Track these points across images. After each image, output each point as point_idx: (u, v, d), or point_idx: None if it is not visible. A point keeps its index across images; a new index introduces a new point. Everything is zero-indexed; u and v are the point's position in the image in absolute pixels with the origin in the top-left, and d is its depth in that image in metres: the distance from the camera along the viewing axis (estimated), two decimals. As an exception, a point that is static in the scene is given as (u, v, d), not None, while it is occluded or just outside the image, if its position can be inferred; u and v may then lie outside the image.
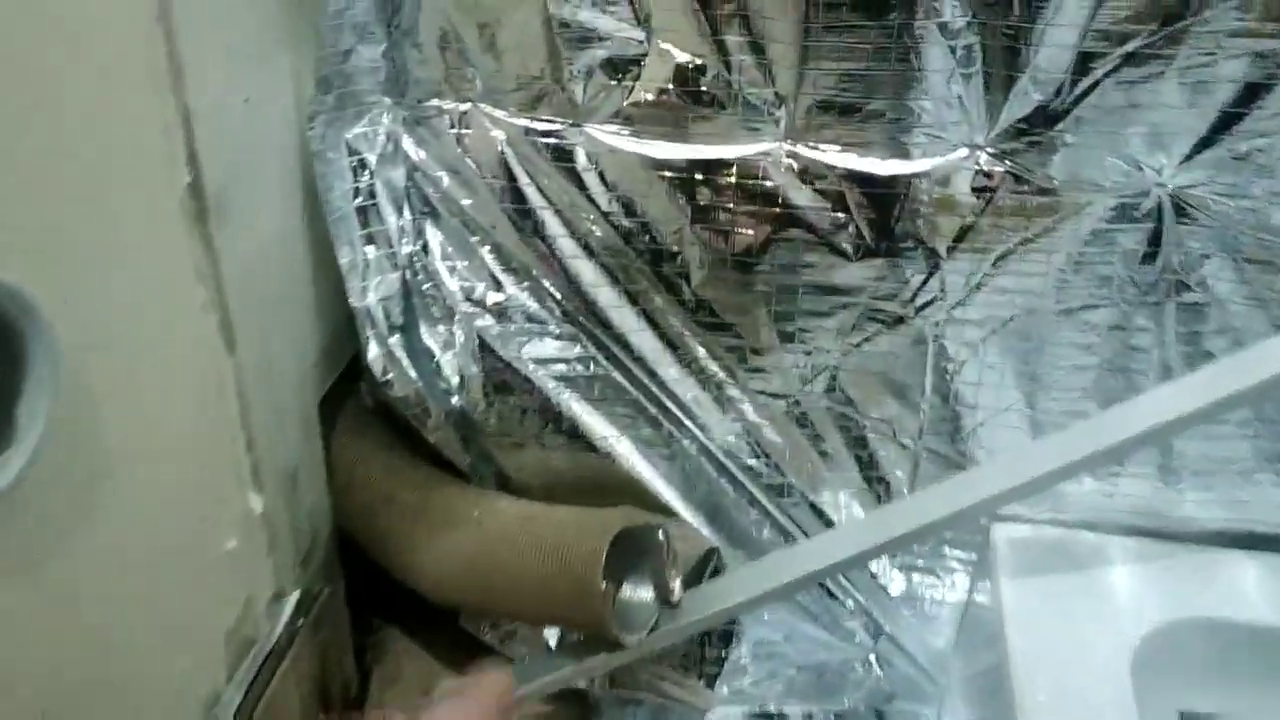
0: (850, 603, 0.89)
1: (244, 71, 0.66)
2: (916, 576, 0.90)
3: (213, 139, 0.62)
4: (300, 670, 0.78)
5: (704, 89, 0.73)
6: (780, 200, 0.75)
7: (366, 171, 0.77)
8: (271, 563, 0.75)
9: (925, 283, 0.76)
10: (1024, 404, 0.79)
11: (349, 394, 0.87)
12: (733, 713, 0.89)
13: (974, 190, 0.73)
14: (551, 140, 0.76)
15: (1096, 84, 0.69)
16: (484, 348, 0.81)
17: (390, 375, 0.79)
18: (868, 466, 0.84)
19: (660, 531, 0.71)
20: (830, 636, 0.89)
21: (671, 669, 0.87)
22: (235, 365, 0.68)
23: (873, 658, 0.91)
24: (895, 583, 0.90)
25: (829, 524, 0.87)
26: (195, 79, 0.60)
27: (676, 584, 0.72)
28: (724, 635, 0.87)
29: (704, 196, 0.76)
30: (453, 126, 0.77)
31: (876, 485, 0.85)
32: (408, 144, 0.78)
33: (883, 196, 0.74)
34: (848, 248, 0.76)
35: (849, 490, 0.85)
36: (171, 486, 0.63)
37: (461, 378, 0.81)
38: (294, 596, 0.79)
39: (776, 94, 0.72)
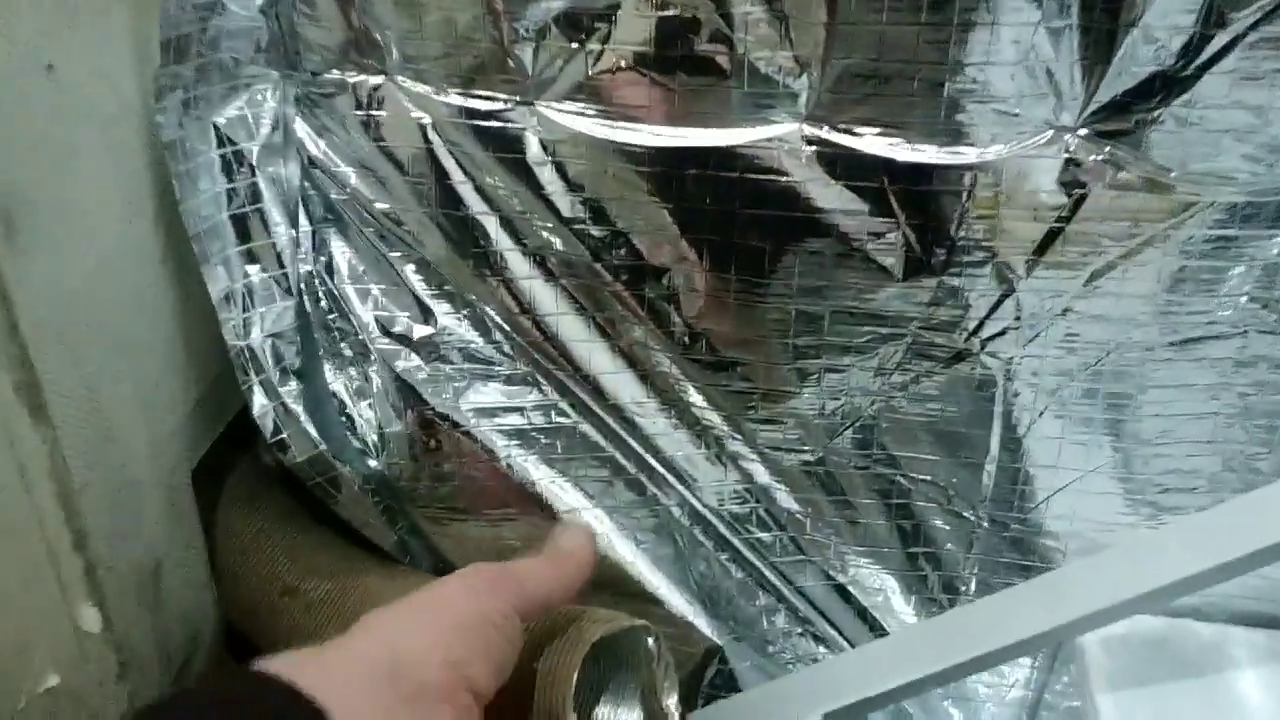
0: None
1: (44, 26, 0.46)
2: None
3: (-12, 123, 0.43)
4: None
5: (697, 51, 0.54)
6: (801, 201, 0.56)
7: (245, 167, 0.57)
8: (123, 690, 0.56)
9: (995, 308, 0.57)
10: (1119, 464, 0.61)
11: (243, 452, 0.68)
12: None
13: (1061, 185, 0.54)
14: (493, 124, 0.57)
15: (1236, 40, 0.50)
16: (409, 396, 0.62)
17: (285, 434, 0.59)
18: (912, 540, 0.65)
19: (649, 637, 0.53)
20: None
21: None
22: (46, 437, 0.48)
23: (914, 771, 0.73)
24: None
25: (859, 610, 0.68)
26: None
27: (671, 703, 0.53)
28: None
29: (698, 197, 0.57)
30: (360, 107, 0.58)
31: (924, 563, 0.66)
32: (302, 131, 0.59)
33: (938, 195, 0.55)
34: (891, 262, 0.57)
35: (886, 569, 0.67)
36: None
37: (381, 435, 0.62)
38: (161, 728, 0.60)
39: (796, 58, 0.53)
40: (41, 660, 0.50)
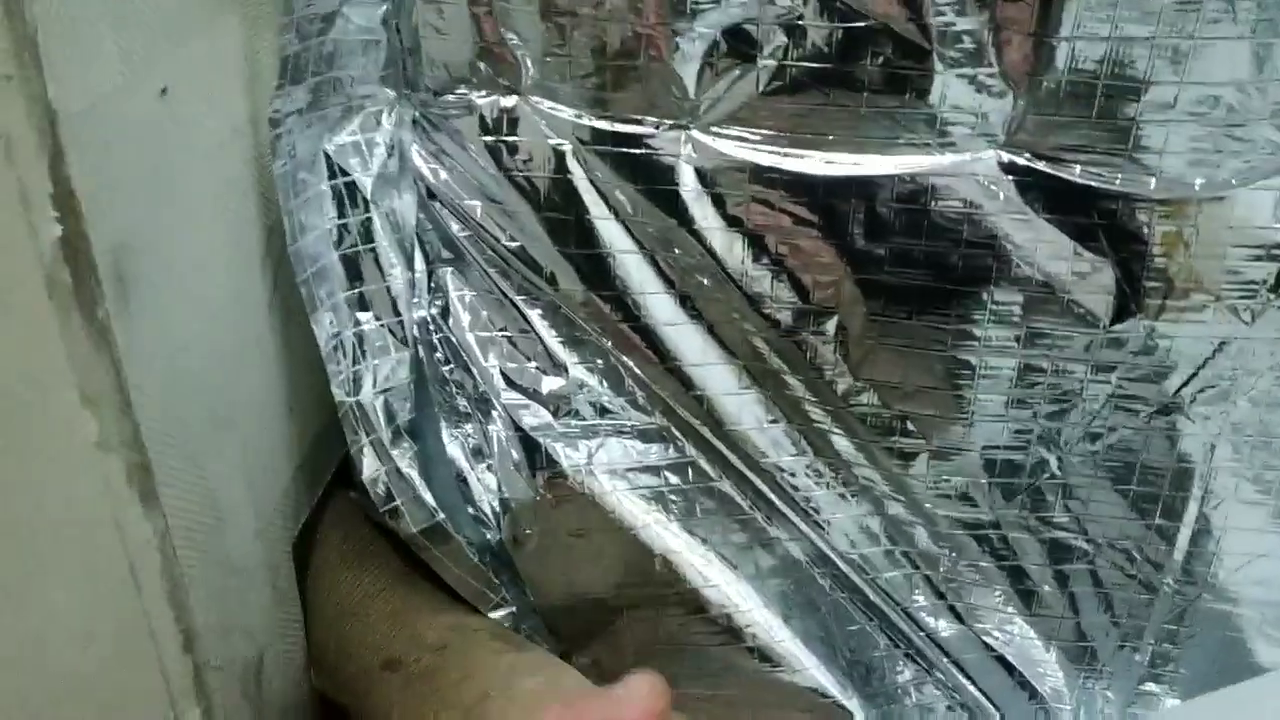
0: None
1: (156, 44, 0.39)
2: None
3: (101, 158, 0.35)
4: None
5: (887, 66, 0.47)
6: (995, 238, 0.50)
7: (359, 200, 0.50)
8: (225, 802, 0.49)
9: (1212, 356, 0.51)
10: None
11: (339, 503, 0.60)
12: None
13: (1294, 219, 0.48)
14: (642, 152, 0.50)
15: None
16: (535, 456, 0.55)
17: (397, 502, 0.52)
18: (1086, 609, 0.59)
19: None
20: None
21: None
22: (158, 528, 0.41)
23: None
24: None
25: (1021, 681, 0.61)
26: (62, 57, 0.33)
27: None
28: None
29: (873, 233, 0.50)
30: (488, 131, 0.51)
31: (1095, 633, 0.59)
32: (420, 159, 0.52)
33: (1154, 230, 0.49)
34: (1098, 307, 0.50)
35: (1055, 644, 0.60)
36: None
37: (502, 501, 0.55)
38: (260, 841, 0.52)
39: (1003, 74, 0.47)
40: (143, 784, 0.43)
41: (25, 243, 0.33)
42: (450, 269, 0.54)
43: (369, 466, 0.52)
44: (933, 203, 0.49)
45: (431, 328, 0.54)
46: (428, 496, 0.53)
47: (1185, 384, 0.51)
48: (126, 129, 0.38)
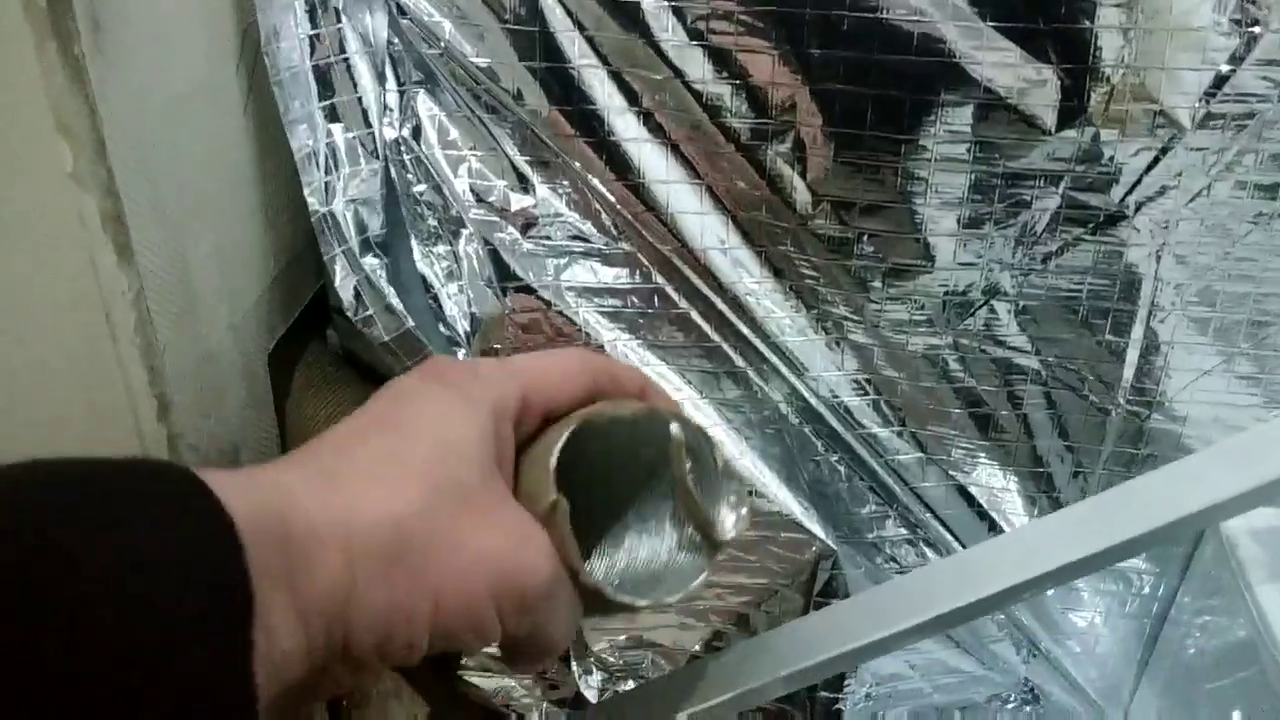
0: (998, 615, 0.66)
1: None
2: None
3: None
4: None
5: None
6: (944, 48, 0.51)
7: (331, 11, 0.52)
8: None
9: (1154, 164, 0.53)
10: (1274, 345, 0.56)
11: (310, 342, 0.62)
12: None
13: (1232, 23, 0.50)
14: (605, -37, 0.52)
15: None
16: (504, 274, 0.56)
17: (369, 311, 0.54)
18: (1040, 432, 0.61)
19: (674, 424, 0.34)
20: (975, 664, 0.66)
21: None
22: (132, 284, 0.43)
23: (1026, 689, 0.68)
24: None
25: (980, 512, 0.63)
26: None
27: (722, 510, 0.35)
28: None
29: (831, 45, 0.52)
30: (457, -54, 0.53)
31: (1050, 458, 0.61)
32: (390, -26, 0.54)
33: (1097, 35, 0.51)
34: (1044, 114, 0.52)
35: (1012, 469, 0.62)
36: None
37: (472, 318, 0.57)
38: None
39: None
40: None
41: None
42: (422, 90, 0.55)
43: (340, 275, 0.54)
44: (884, 11, 0.51)
45: (403, 148, 0.55)
46: (398, 304, 0.54)
47: (1129, 192, 0.53)
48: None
